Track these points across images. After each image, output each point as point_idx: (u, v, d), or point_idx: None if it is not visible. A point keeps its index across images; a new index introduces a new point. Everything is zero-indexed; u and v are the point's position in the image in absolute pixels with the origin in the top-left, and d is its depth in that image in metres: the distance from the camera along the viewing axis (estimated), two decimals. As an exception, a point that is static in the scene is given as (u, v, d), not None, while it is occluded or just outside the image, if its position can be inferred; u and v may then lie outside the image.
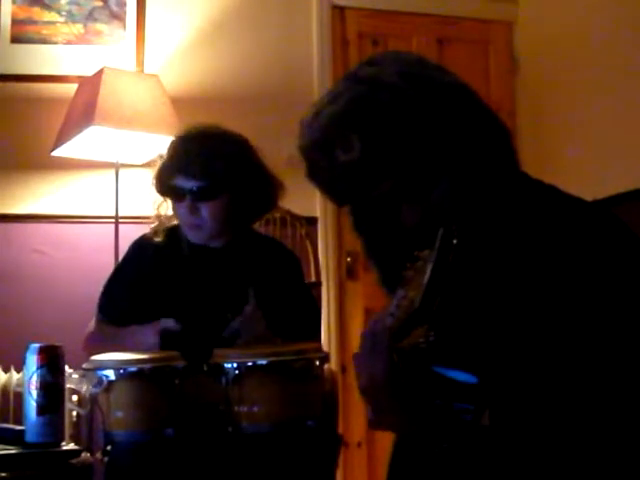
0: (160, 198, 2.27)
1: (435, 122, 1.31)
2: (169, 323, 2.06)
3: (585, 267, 1.27)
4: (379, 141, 1.30)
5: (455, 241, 1.19)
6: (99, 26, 3.49)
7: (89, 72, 3.22)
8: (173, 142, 2.24)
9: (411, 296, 1.21)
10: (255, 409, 1.83)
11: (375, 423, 1.32)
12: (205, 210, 2.16)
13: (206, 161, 2.13)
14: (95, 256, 3.28)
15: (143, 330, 2.09)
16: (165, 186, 2.20)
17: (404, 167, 1.32)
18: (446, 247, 1.19)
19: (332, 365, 2.81)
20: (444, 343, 1.30)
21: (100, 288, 2.30)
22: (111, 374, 1.83)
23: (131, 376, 1.84)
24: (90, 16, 3.48)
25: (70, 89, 3.25)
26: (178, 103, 3.26)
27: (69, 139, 3.10)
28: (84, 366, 1.89)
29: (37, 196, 3.36)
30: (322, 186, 1.38)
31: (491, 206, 1.35)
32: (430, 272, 1.18)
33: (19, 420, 1.80)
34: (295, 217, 2.87)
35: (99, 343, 2.16)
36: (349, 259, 3.69)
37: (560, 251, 1.28)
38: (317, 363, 1.91)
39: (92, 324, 2.27)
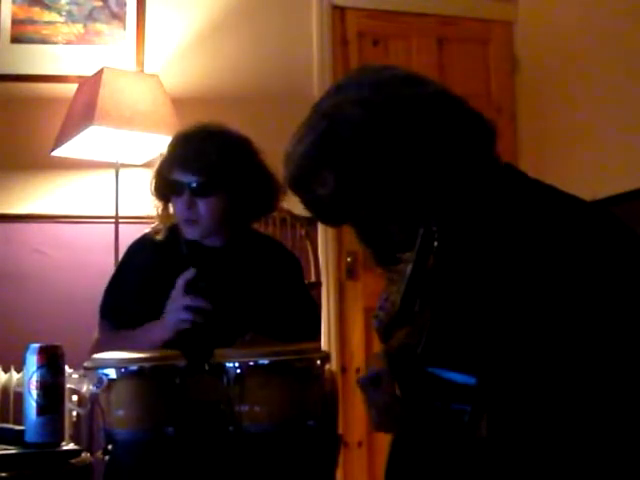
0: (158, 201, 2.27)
1: (402, 147, 1.34)
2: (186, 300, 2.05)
3: (584, 267, 1.26)
4: (348, 174, 1.35)
5: (436, 243, 1.21)
6: (99, 26, 3.49)
7: (89, 72, 3.22)
8: (174, 138, 2.24)
9: (392, 299, 1.23)
10: (256, 409, 1.83)
11: (378, 426, 1.33)
12: (202, 206, 2.15)
13: (206, 157, 2.13)
14: (95, 256, 3.29)
15: (153, 327, 2.08)
16: (164, 181, 2.20)
17: (381, 193, 1.36)
18: (426, 249, 1.21)
19: (332, 365, 2.80)
20: (431, 344, 1.31)
21: (100, 288, 2.29)
22: (112, 373, 1.82)
23: (132, 375, 1.84)
24: (90, 16, 3.48)
25: (70, 89, 3.25)
26: (178, 103, 3.26)
27: (69, 139, 3.10)
28: (85, 365, 1.89)
29: (37, 196, 3.36)
30: (312, 214, 1.47)
31: (475, 207, 1.35)
32: (409, 274, 1.19)
33: (19, 420, 1.79)
34: (295, 217, 2.86)
35: (109, 350, 2.14)
36: (349, 259, 3.69)
37: (557, 251, 1.28)
38: (318, 363, 1.91)
39: (95, 334, 2.25)
